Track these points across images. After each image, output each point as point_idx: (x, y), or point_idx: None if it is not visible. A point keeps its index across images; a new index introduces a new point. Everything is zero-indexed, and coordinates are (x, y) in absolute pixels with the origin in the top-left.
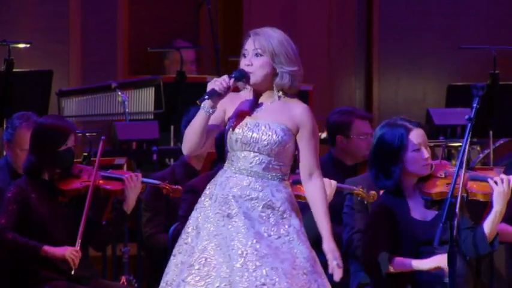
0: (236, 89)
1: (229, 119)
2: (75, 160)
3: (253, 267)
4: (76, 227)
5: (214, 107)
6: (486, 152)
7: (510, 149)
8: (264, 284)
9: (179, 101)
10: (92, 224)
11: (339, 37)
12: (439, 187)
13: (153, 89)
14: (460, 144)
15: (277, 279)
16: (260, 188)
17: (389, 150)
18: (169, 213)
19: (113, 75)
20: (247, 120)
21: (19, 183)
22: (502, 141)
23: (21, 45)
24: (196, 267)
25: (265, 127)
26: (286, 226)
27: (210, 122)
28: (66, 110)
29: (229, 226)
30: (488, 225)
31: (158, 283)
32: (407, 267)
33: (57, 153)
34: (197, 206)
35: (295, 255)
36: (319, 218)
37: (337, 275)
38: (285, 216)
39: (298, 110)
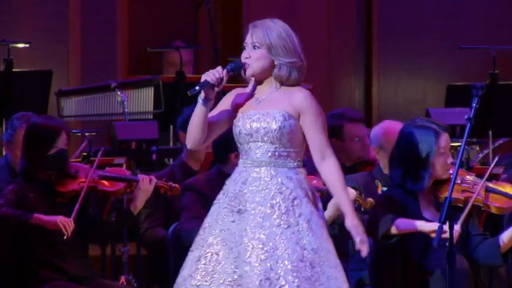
0: (245, 84)
1: (234, 113)
2: (71, 160)
3: (259, 261)
4: (76, 227)
5: (209, 99)
6: (485, 151)
7: (509, 149)
8: (268, 278)
9: (178, 100)
10: (92, 222)
11: (339, 37)
12: (454, 193)
13: (153, 89)
14: (460, 144)
15: (282, 273)
16: (269, 177)
17: (419, 154)
18: (168, 212)
19: (112, 75)
20: (249, 111)
21: (18, 182)
22: (501, 141)
23: (21, 45)
24: (203, 262)
25: (263, 115)
26: (296, 215)
27: (215, 117)
28: (65, 109)
29: (239, 221)
30: (505, 239)
31: (156, 281)
32: (411, 227)
33: (48, 156)
34: (214, 201)
35: (303, 246)
36: (338, 196)
37: (364, 251)
38: (295, 203)
39: (298, 96)
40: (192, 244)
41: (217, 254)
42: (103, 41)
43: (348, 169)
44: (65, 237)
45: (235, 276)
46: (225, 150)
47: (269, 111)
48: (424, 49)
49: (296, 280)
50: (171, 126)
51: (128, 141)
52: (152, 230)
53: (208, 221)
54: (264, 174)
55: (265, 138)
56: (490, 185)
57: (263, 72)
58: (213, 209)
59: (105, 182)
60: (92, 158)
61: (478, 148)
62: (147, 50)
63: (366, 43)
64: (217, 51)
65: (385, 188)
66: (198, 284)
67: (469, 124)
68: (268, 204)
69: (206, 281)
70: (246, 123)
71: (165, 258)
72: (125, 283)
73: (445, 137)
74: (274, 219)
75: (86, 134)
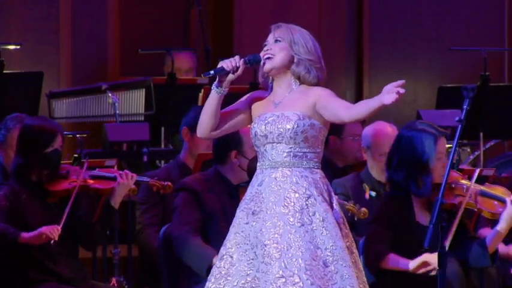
0: (262, 88)
1: (252, 115)
2: (63, 161)
3: (274, 259)
4: (66, 229)
5: (223, 86)
6: (476, 153)
7: (500, 151)
8: (282, 277)
9: (170, 102)
10: (82, 224)
11: (330, 38)
12: (448, 197)
13: (144, 90)
14: (451, 145)
15: (295, 271)
16: (284, 177)
17: (420, 159)
18: (164, 211)
19: (103, 77)
20: (265, 114)
21: (10, 184)
22: (492, 143)
23: (12, 47)
24: (218, 265)
25: (278, 117)
26: (311, 214)
27: (229, 109)
28: (56, 111)
29: (254, 223)
30: (491, 240)
31: (147, 282)
32: (401, 266)
33: (44, 154)
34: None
35: (316, 245)
36: (368, 101)
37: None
38: (310, 202)
39: (314, 91)
40: (182, 254)
41: (232, 257)
42: (94, 42)
43: (339, 170)
44: (52, 242)
45: (249, 279)
46: (224, 148)
47: (284, 112)
48: (415, 50)
49: (310, 278)
50: (162, 128)
51: (119, 142)
52: (148, 232)
53: (230, 230)
54: (279, 175)
55: (280, 139)
56: (483, 188)
57: (282, 66)
58: (235, 216)
59: (97, 182)
60: (82, 160)
61: (469, 150)
62: (138, 51)
63: (357, 43)
64: (208, 53)
65: (373, 193)
66: (212, 286)
67: (460, 126)
68: (283, 203)
69: (220, 284)
70: (261, 125)
71: (156, 260)
72: (115, 285)
73: (442, 141)
74: (288, 218)
75: (77, 135)
